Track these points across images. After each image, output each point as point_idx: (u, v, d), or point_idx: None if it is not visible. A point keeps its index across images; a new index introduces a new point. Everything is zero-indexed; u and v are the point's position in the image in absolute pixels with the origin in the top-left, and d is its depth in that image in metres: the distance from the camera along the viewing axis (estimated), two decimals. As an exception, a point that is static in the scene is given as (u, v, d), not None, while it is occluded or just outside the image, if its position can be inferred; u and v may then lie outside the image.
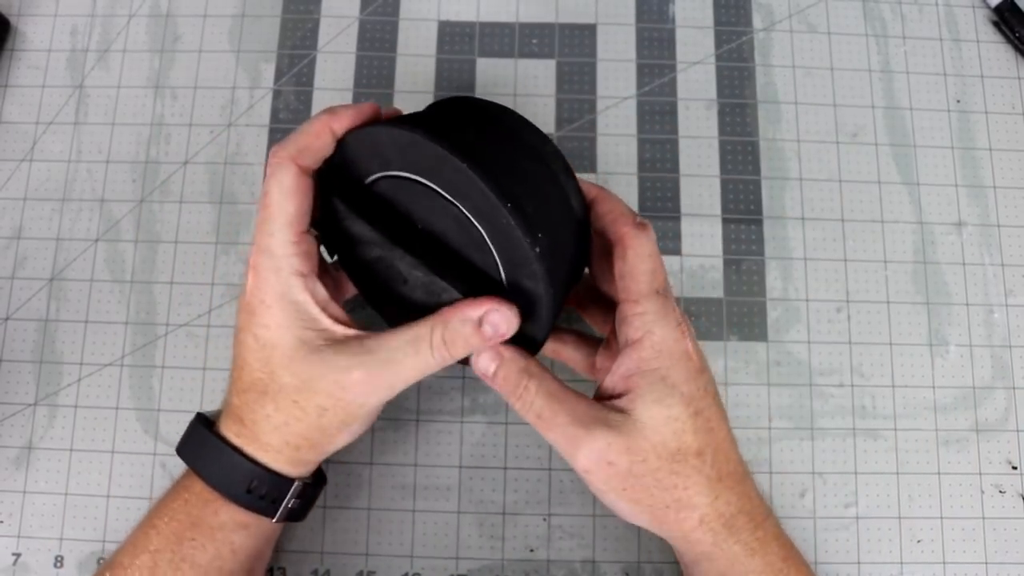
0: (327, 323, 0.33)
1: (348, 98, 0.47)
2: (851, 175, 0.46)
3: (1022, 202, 0.46)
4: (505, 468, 0.43)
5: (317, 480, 0.38)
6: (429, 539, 0.42)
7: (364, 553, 0.42)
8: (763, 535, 0.34)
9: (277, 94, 0.47)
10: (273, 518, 0.35)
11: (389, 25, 0.48)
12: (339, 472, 0.43)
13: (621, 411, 0.32)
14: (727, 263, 0.45)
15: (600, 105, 0.47)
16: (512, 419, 0.43)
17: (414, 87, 0.47)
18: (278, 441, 0.34)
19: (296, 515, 0.36)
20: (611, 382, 0.34)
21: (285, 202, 0.32)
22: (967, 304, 0.45)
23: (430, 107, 0.37)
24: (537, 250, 0.31)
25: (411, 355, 0.32)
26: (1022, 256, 0.46)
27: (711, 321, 0.44)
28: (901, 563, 0.42)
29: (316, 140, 0.32)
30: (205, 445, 0.35)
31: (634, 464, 0.32)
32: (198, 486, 0.34)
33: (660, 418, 0.32)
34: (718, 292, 0.45)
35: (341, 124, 0.32)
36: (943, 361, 0.44)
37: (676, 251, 0.45)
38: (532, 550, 0.42)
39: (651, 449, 0.32)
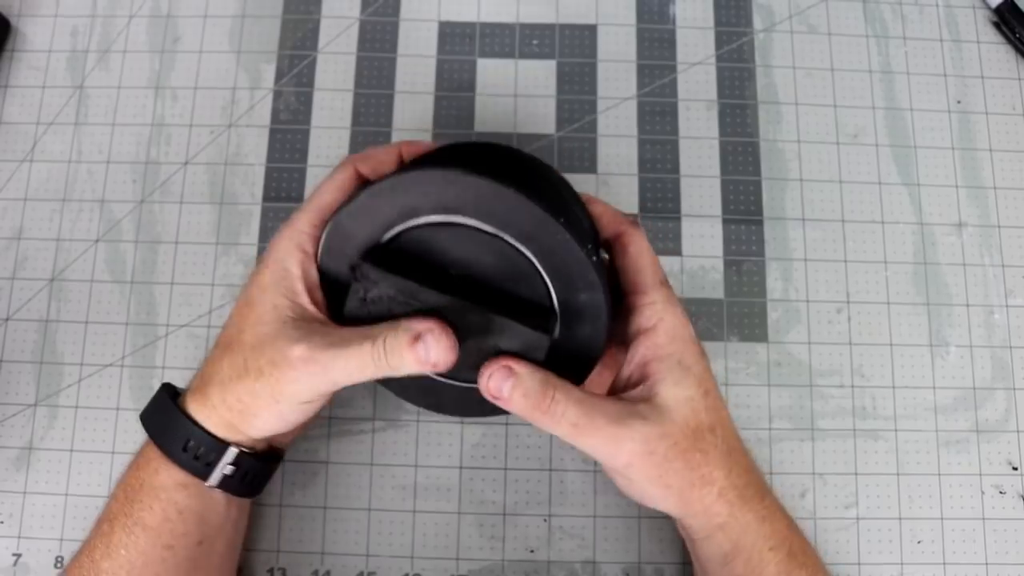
0: (305, 300, 0.34)
1: (348, 99, 0.47)
2: (851, 176, 0.46)
3: (1022, 203, 0.46)
4: (505, 469, 0.43)
5: (266, 457, 0.37)
6: (429, 540, 0.42)
7: (364, 554, 0.42)
8: (770, 504, 0.35)
9: (278, 95, 0.47)
10: (207, 481, 0.35)
11: (389, 26, 0.48)
12: (339, 472, 0.43)
13: (643, 399, 0.33)
14: (727, 264, 0.45)
15: (600, 106, 0.47)
16: (512, 420, 0.43)
17: (414, 88, 0.47)
18: (217, 397, 0.34)
19: (234, 486, 0.36)
20: (627, 372, 0.35)
21: (328, 192, 0.35)
22: (967, 305, 0.45)
23: (422, 157, 0.36)
24: (594, 258, 0.31)
25: (354, 349, 0.32)
26: (1022, 257, 0.46)
27: (711, 322, 0.44)
28: (901, 564, 0.42)
29: (384, 155, 0.36)
30: (158, 408, 0.36)
31: (668, 449, 0.33)
32: (148, 449, 0.36)
33: (681, 399, 0.33)
34: (718, 293, 0.45)
35: (411, 152, 0.36)
36: (943, 362, 0.44)
37: (676, 252, 0.45)
38: (532, 551, 0.42)
39: (679, 431, 0.33)
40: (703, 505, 0.34)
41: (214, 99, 0.47)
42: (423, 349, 0.31)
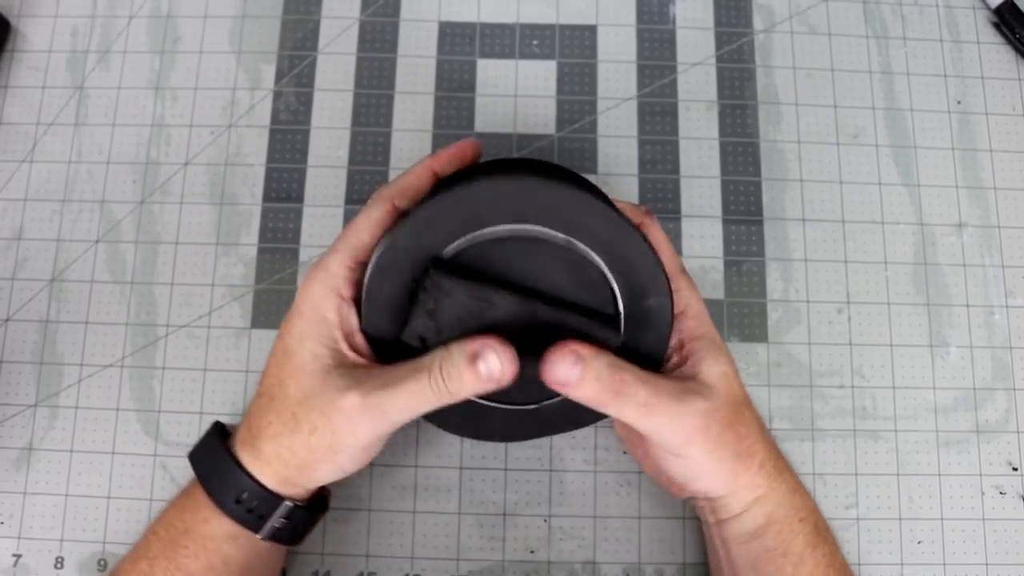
0: (344, 347, 0.33)
1: (348, 99, 0.47)
2: (851, 176, 0.46)
3: (1022, 203, 0.46)
4: (505, 469, 0.43)
5: (313, 507, 0.37)
6: (429, 540, 0.42)
7: (364, 554, 0.42)
8: (793, 476, 0.36)
9: (278, 95, 0.47)
10: (258, 533, 0.35)
11: (390, 26, 0.48)
12: (339, 473, 0.43)
13: (689, 378, 0.34)
14: (727, 264, 0.45)
15: (601, 106, 0.47)
16: (512, 420, 0.43)
17: (414, 88, 0.47)
18: (271, 452, 0.33)
19: (284, 537, 0.36)
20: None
21: (364, 231, 0.34)
22: (967, 305, 0.45)
23: (467, 171, 0.36)
24: (662, 266, 0.32)
25: (410, 383, 0.31)
26: (1022, 257, 0.46)
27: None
28: (902, 564, 0.42)
29: (416, 180, 0.35)
30: (210, 452, 0.35)
31: (719, 422, 0.34)
32: (197, 493, 0.35)
33: (720, 375, 0.34)
34: (719, 293, 0.45)
35: (441, 164, 0.35)
36: (943, 362, 0.44)
37: (677, 252, 0.45)
38: (532, 551, 0.42)
39: (726, 405, 0.34)
40: (748, 477, 0.35)
41: (214, 99, 0.47)
42: (484, 366, 0.30)
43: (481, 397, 0.34)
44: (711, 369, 0.34)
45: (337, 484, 0.37)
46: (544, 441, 0.43)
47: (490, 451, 0.43)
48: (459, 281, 0.31)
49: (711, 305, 0.44)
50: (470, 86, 0.47)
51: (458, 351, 0.31)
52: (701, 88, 0.47)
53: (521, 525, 0.42)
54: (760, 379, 0.44)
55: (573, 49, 0.48)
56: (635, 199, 0.46)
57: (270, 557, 0.37)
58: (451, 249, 0.32)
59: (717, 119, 0.47)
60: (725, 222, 0.46)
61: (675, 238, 0.45)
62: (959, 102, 0.47)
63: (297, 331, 0.33)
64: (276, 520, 0.35)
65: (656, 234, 0.37)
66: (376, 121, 0.47)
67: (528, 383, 0.32)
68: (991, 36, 0.48)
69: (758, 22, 0.48)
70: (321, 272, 0.34)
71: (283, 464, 0.33)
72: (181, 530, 0.34)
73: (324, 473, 0.34)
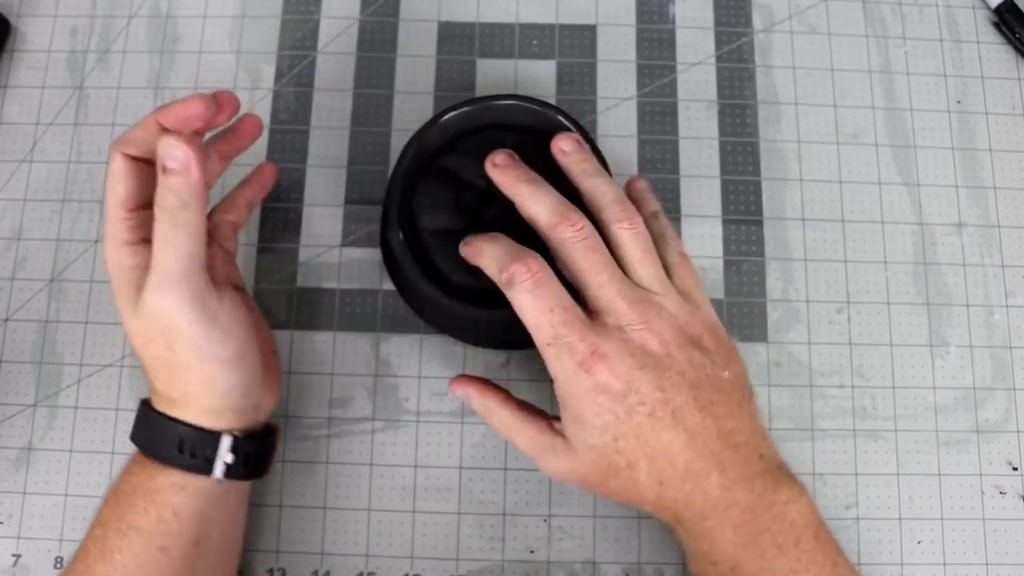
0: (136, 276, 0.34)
1: (348, 99, 0.47)
2: (851, 176, 0.46)
3: (1022, 203, 0.46)
4: (505, 469, 0.43)
5: (262, 435, 0.38)
6: (429, 540, 0.42)
7: (364, 554, 0.42)
8: (711, 525, 0.34)
9: (277, 95, 0.47)
10: (210, 475, 0.35)
11: (389, 26, 0.48)
12: (339, 473, 0.42)
13: (560, 433, 0.35)
14: (727, 264, 0.45)
15: (600, 106, 0.47)
16: (512, 420, 0.43)
17: (414, 88, 0.47)
18: (181, 394, 0.35)
19: (238, 472, 0.36)
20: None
21: (116, 184, 0.34)
22: (967, 305, 0.45)
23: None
24: None
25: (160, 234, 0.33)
26: (1022, 257, 0.45)
27: (711, 322, 0.44)
28: (902, 564, 0.42)
29: (143, 132, 0.34)
30: (141, 420, 0.37)
31: (581, 480, 0.35)
32: (137, 458, 0.36)
33: (584, 446, 0.34)
34: (718, 293, 0.45)
35: (167, 119, 0.34)
36: (943, 362, 0.44)
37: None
38: (532, 551, 0.42)
39: (589, 468, 0.35)
40: (649, 510, 0.36)
41: (214, 99, 0.47)
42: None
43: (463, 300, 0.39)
44: (575, 438, 0.34)
45: (333, 482, 0.37)
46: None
47: (490, 451, 0.43)
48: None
49: (712, 304, 0.44)
50: (470, 86, 0.47)
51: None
52: (701, 88, 0.47)
53: (521, 525, 0.42)
54: (760, 379, 0.44)
55: (573, 49, 0.48)
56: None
57: (227, 501, 0.37)
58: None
59: (717, 119, 0.47)
60: (725, 222, 0.46)
61: (675, 238, 0.45)
62: (959, 102, 0.47)
63: (115, 288, 0.35)
64: (224, 456, 0.36)
65: (516, 303, 0.34)
66: (376, 121, 0.47)
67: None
68: (991, 36, 0.48)
69: (758, 22, 0.48)
70: (108, 238, 0.35)
71: (194, 399, 0.35)
72: (128, 491, 0.35)
73: (222, 383, 0.35)
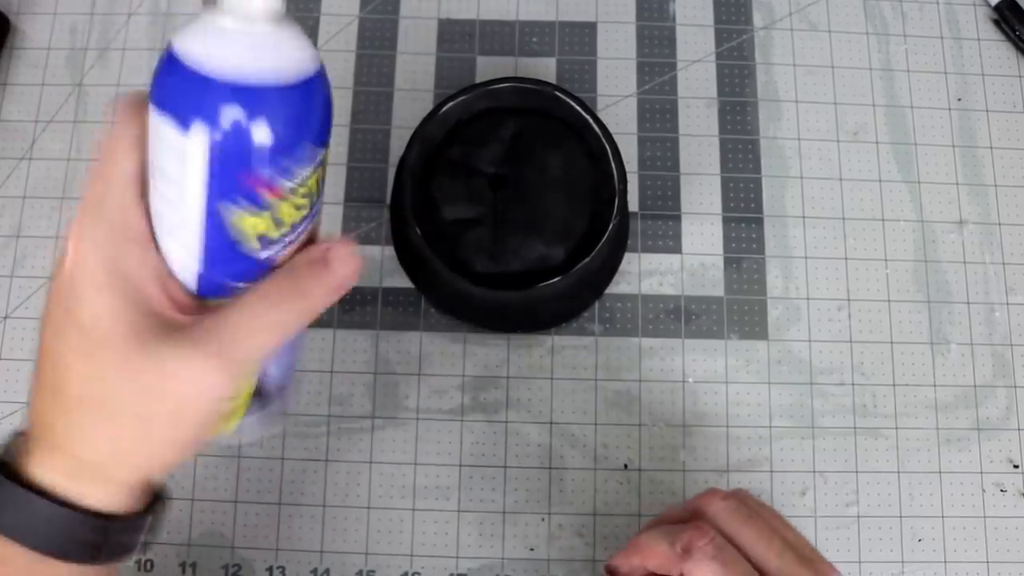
0: (160, 304, 0.25)
1: (347, 96, 0.47)
2: (852, 173, 0.46)
3: (1023, 200, 0.46)
4: (505, 467, 0.43)
5: (153, 499, 0.29)
6: (429, 538, 0.42)
7: (364, 552, 0.42)
8: None
9: (277, 92, 0.47)
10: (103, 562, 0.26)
11: (389, 23, 0.48)
12: (339, 471, 0.42)
13: None
14: (728, 261, 0.45)
15: (600, 103, 0.47)
16: (512, 418, 0.43)
17: (414, 85, 0.47)
18: (126, 474, 0.26)
19: (130, 549, 0.28)
20: None
21: (133, 153, 0.24)
22: (968, 302, 0.45)
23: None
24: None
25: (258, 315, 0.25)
26: (1023, 254, 0.45)
27: (712, 319, 0.44)
28: (902, 562, 0.42)
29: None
30: (5, 490, 0.25)
31: None
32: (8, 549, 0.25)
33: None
34: (719, 291, 0.45)
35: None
36: (944, 360, 0.44)
37: (676, 250, 0.45)
38: (532, 549, 0.42)
39: None
40: None
41: (213, 97, 0.47)
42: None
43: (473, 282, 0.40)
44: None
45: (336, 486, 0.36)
46: (544, 439, 0.43)
47: (489, 449, 0.43)
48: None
49: (711, 302, 0.44)
50: (470, 84, 0.47)
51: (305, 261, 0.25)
52: (701, 85, 0.47)
53: (520, 523, 0.42)
54: (760, 376, 0.44)
55: (573, 46, 0.48)
56: (635, 197, 0.46)
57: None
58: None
59: (717, 116, 0.47)
60: (725, 219, 0.46)
61: (675, 235, 0.45)
62: (959, 99, 0.47)
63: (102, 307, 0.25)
64: (124, 538, 0.27)
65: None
66: (376, 119, 0.47)
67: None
68: (991, 33, 0.48)
69: (758, 19, 0.48)
70: (106, 240, 0.26)
71: (119, 465, 0.26)
72: None
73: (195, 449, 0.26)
